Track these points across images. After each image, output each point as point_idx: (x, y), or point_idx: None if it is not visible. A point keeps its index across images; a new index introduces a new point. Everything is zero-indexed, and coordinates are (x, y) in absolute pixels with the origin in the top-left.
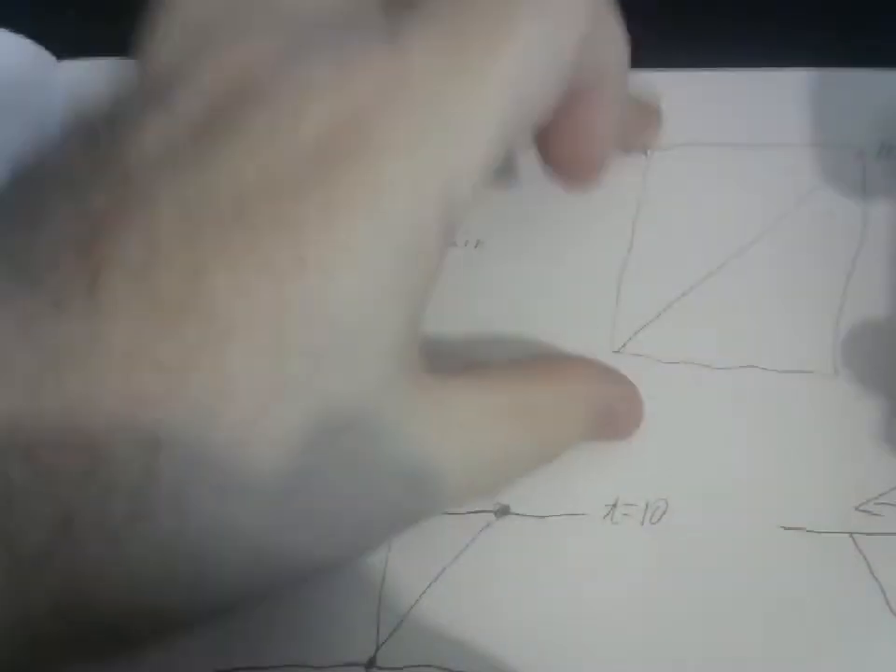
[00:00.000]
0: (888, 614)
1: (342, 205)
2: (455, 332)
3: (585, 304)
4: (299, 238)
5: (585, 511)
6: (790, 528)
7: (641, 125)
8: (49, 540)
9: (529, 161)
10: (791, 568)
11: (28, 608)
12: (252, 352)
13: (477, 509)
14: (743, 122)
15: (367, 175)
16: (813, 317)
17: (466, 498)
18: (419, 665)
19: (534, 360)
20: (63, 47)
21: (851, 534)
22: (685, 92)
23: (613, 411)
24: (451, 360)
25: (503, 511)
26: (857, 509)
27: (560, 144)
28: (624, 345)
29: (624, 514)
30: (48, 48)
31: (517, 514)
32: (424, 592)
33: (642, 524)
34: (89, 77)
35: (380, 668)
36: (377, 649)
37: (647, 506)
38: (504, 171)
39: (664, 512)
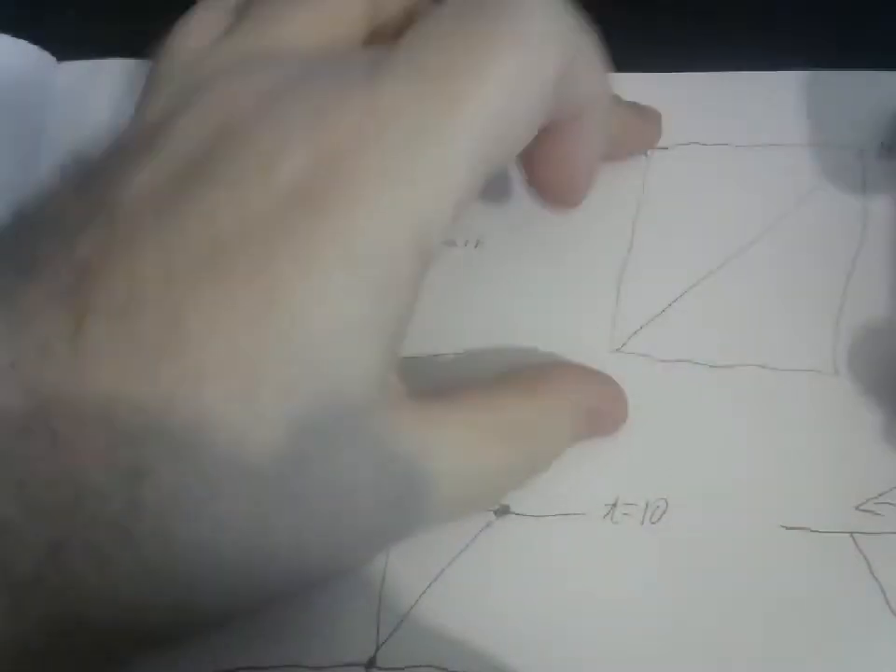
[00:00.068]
0: (888, 614)
1: (313, 250)
2: (455, 332)
3: (585, 304)
4: (270, 282)
5: (585, 511)
6: (790, 528)
7: (641, 128)
8: (39, 566)
9: None
10: (792, 568)
11: (22, 625)
12: (227, 391)
13: None
14: (743, 123)
15: (339, 221)
16: (813, 317)
17: (455, 516)
18: (419, 665)
19: (515, 375)
20: (63, 47)
21: (851, 534)
22: (686, 93)
23: (598, 413)
24: (434, 382)
25: (503, 511)
26: (857, 508)
27: (543, 171)
28: (624, 345)
29: (624, 514)
30: (48, 48)
31: (517, 514)
32: (424, 592)
33: (642, 523)
34: (89, 77)
35: (380, 668)
36: (377, 649)
37: (647, 506)
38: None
39: (664, 512)
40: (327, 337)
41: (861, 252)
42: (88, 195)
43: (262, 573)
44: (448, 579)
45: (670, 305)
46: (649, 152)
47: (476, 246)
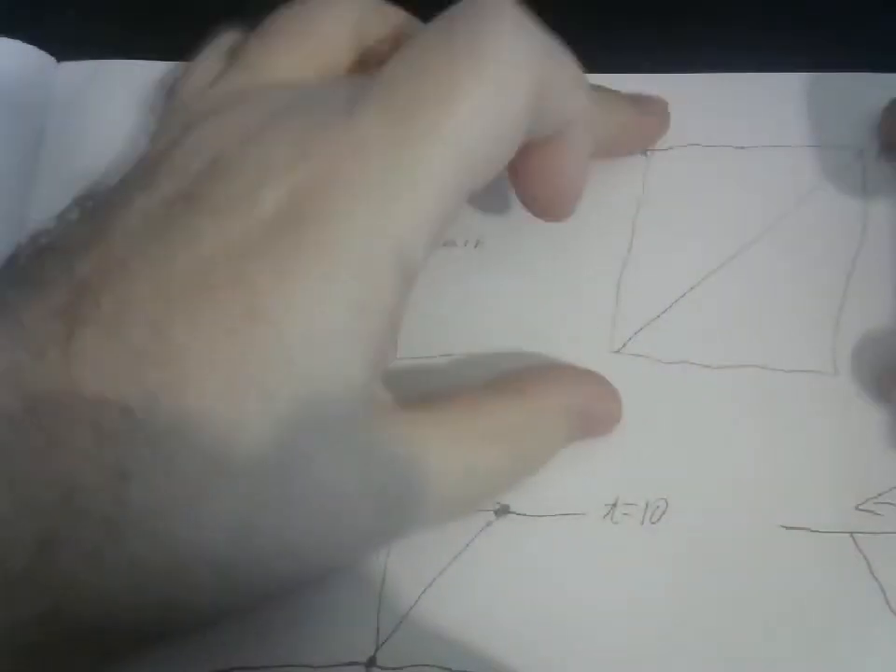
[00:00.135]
0: (888, 614)
1: (291, 265)
2: (455, 332)
3: (585, 304)
4: (251, 295)
5: (585, 511)
6: (790, 528)
7: (642, 125)
8: (30, 561)
9: None
10: (792, 568)
11: (14, 621)
12: (209, 395)
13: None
14: (744, 124)
15: (318, 238)
16: (813, 317)
17: (449, 517)
18: (419, 665)
19: (506, 378)
20: (63, 47)
21: (851, 533)
22: (686, 94)
23: (591, 414)
24: (433, 383)
25: (503, 511)
26: (857, 508)
27: (530, 186)
28: (624, 345)
29: (624, 514)
30: (48, 48)
31: (517, 514)
32: (424, 592)
33: (642, 523)
34: (89, 77)
35: (380, 668)
36: (377, 649)
37: (647, 506)
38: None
39: (664, 512)
40: (305, 346)
41: (860, 252)
42: (92, 222)
43: (250, 572)
44: (448, 579)
45: (670, 306)
46: (648, 152)
47: (476, 246)
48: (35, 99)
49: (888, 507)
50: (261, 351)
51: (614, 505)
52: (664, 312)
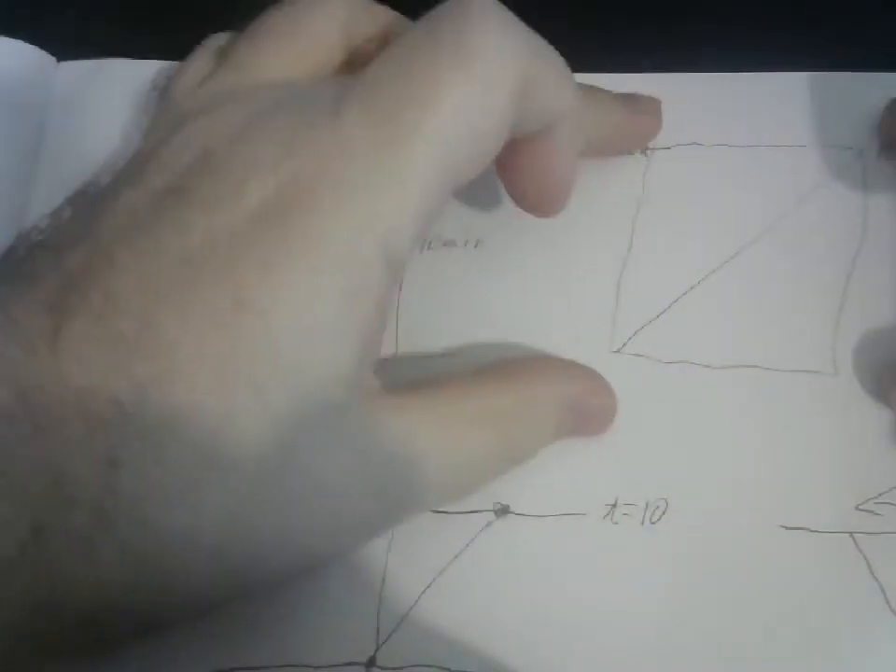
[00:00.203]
0: (888, 614)
1: (277, 257)
2: (455, 332)
3: (585, 304)
4: (237, 285)
5: (585, 511)
6: (790, 528)
7: (634, 125)
8: (23, 547)
9: None
10: (792, 568)
11: (9, 607)
12: (198, 387)
13: (477, 508)
14: (744, 124)
15: (304, 231)
16: (813, 317)
17: (441, 502)
18: (419, 665)
19: (498, 365)
20: (63, 47)
21: (851, 533)
22: (686, 94)
23: (584, 408)
24: (415, 376)
25: (503, 511)
26: (857, 508)
27: (519, 182)
28: (624, 345)
29: (624, 514)
30: (48, 48)
31: (517, 514)
32: (424, 592)
33: (642, 524)
34: (89, 77)
35: (380, 668)
36: (377, 649)
37: (647, 506)
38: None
39: (664, 512)
40: (293, 338)
41: (861, 252)
42: (82, 218)
43: (242, 560)
44: (448, 579)
45: (670, 306)
46: (648, 152)
47: (476, 246)
48: (35, 99)
49: (888, 507)
50: (249, 343)
51: (614, 505)
52: (664, 312)
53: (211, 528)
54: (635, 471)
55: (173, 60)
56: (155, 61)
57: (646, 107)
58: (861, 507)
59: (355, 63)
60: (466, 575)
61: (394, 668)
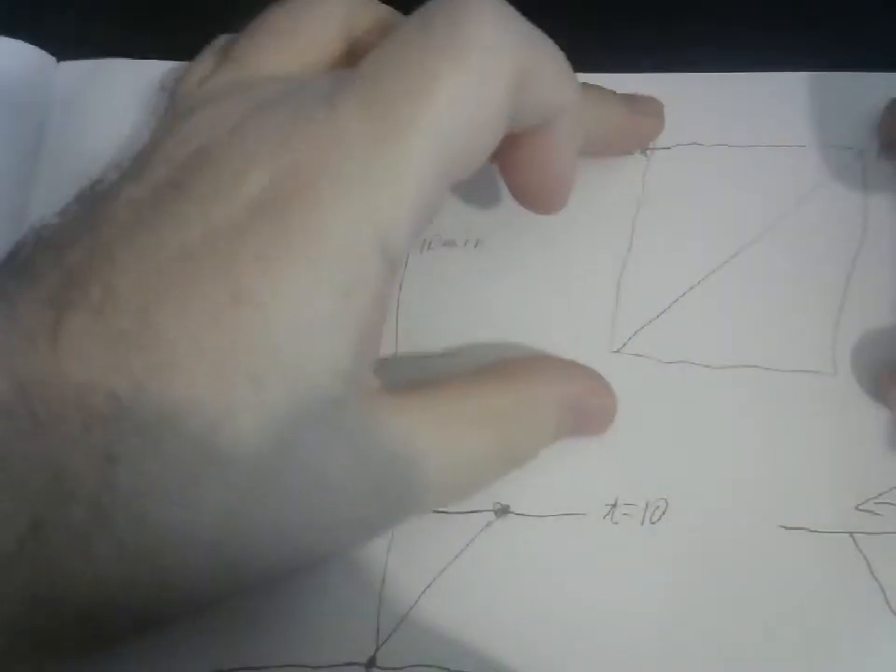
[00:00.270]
0: (888, 614)
1: (275, 251)
2: (455, 332)
3: (585, 304)
4: (234, 277)
5: (585, 511)
6: (790, 528)
7: (635, 126)
8: (21, 542)
9: None
10: (791, 568)
11: (8, 602)
12: (196, 381)
13: (477, 508)
14: (744, 124)
15: (300, 224)
16: (813, 317)
17: (436, 504)
18: (419, 665)
19: (498, 365)
20: (63, 47)
21: (851, 533)
22: (686, 93)
23: (584, 408)
24: (415, 376)
25: (503, 511)
26: (857, 508)
27: (519, 178)
28: (624, 345)
29: (624, 514)
30: (48, 48)
31: (517, 514)
32: (424, 592)
33: (642, 524)
34: (89, 77)
35: (380, 668)
36: (377, 649)
37: (647, 506)
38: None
39: (664, 512)
40: (292, 332)
41: (860, 252)
42: (85, 214)
43: (241, 556)
44: (448, 579)
45: (670, 306)
46: (648, 152)
47: (476, 246)
48: (35, 99)
49: (888, 507)
50: (248, 337)
51: (614, 505)
52: (664, 312)
53: (209, 523)
54: (635, 471)
55: (172, 60)
56: (155, 61)
57: (648, 108)
58: (860, 507)
59: (354, 60)
60: (466, 575)
61: (394, 668)
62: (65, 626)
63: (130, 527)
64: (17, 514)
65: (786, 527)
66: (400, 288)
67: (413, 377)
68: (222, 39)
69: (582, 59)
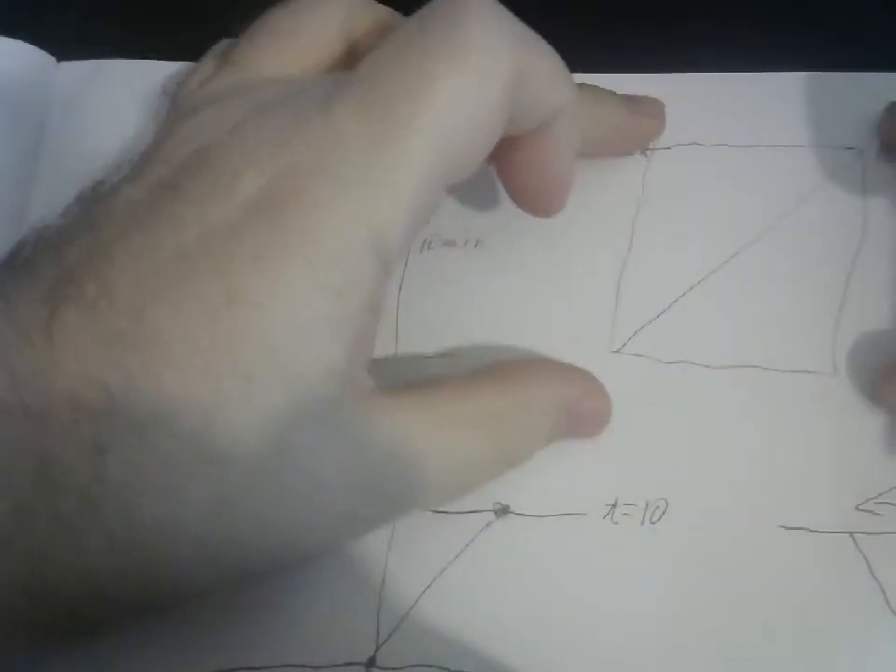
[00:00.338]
0: (888, 614)
1: (271, 251)
2: (455, 332)
3: (585, 304)
4: (229, 277)
5: (585, 511)
6: (790, 528)
7: (636, 126)
8: (7, 527)
9: None
10: (791, 568)
11: None
12: (188, 378)
13: (477, 508)
14: (743, 124)
15: (296, 224)
16: (813, 317)
17: (429, 503)
18: (419, 665)
19: (494, 367)
20: (63, 47)
21: (851, 533)
22: (686, 93)
23: (579, 411)
24: (413, 377)
25: (503, 511)
26: (857, 508)
27: (517, 179)
28: (624, 345)
29: (624, 514)
30: (48, 48)
31: (517, 514)
32: (424, 592)
33: (642, 523)
34: (89, 77)
35: (380, 668)
36: (377, 649)
37: (647, 506)
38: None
39: (664, 512)
40: (286, 331)
41: (860, 252)
42: (85, 214)
43: (229, 552)
44: (448, 579)
45: (670, 306)
46: (648, 152)
47: (476, 246)
48: (35, 99)
49: (888, 507)
50: (242, 335)
51: (614, 505)
52: (664, 312)
53: (198, 517)
54: (635, 471)
55: (173, 60)
56: (155, 61)
57: (648, 109)
58: (860, 507)
59: (354, 61)
60: (466, 575)
61: (394, 668)
62: (47, 617)
63: (118, 519)
64: (3, 501)
65: (786, 527)
66: (400, 288)
67: (412, 377)
68: (224, 44)
69: (582, 59)
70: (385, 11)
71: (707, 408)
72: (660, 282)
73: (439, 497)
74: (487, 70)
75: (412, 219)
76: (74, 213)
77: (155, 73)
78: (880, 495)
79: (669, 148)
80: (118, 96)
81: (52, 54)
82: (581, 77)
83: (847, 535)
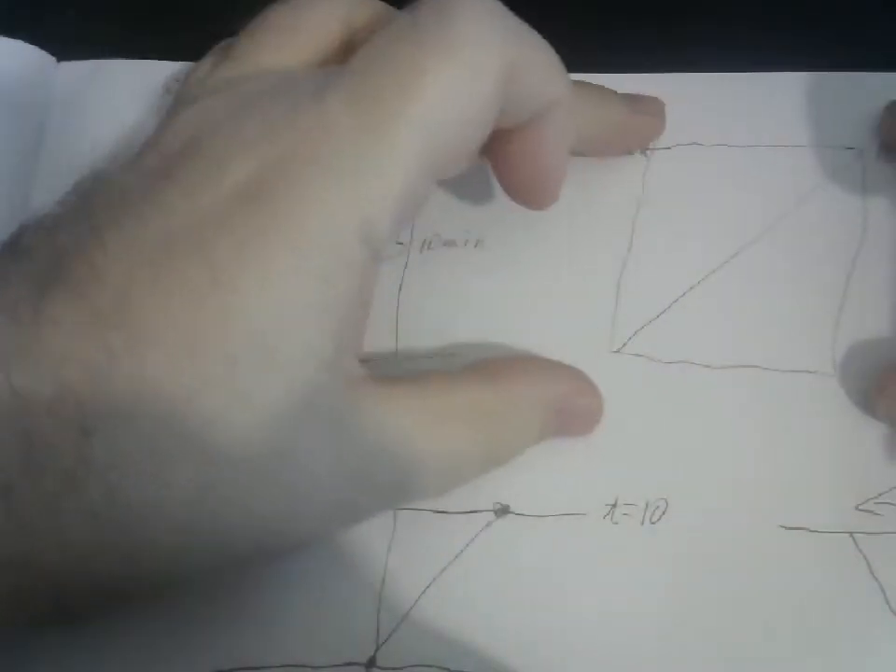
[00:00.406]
0: (888, 614)
1: (257, 237)
2: (454, 332)
3: (585, 304)
4: (214, 262)
5: (585, 511)
6: (790, 528)
7: (636, 126)
8: None
9: None
10: (791, 568)
11: None
12: (171, 356)
13: (477, 508)
14: (743, 124)
15: (283, 211)
16: (813, 317)
17: (417, 495)
18: (419, 665)
19: (485, 364)
20: (63, 47)
21: (851, 533)
22: (687, 95)
23: (570, 409)
24: (404, 369)
25: (503, 511)
26: (857, 508)
27: (509, 172)
28: (624, 345)
29: (624, 514)
30: (48, 48)
31: (517, 514)
32: (424, 592)
33: (642, 523)
34: (89, 77)
35: (380, 668)
36: (377, 649)
37: (647, 506)
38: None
39: (664, 512)
40: (271, 315)
41: (860, 252)
42: (81, 201)
43: (211, 538)
44: (448, 579)
45: (670, 306)
46: (648, 152)
47: (476, 246)
48: (35, 99)
49: (888, 507)
50: (227, 319)
51: (614, 505)
52: (664, 312)
53: (180, 501)
54: (635, 471)
55: (173, 60)
56: (155, 61)
57: (649, 108)
58: (860, 507)
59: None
60: (466, 575)
61: (394, 668)
62: (28, 597)
63: (101, 500)
64: None
65: (786, 527)
66: (400, 288)
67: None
68: (226, 42)
69: (582, 59)
70: (383, 7)
71: (707, 408)
72: (660, 282)
73: (429, 488)
74: (479, 64)
75: (401, 209)
76: (71, 200)
77: (155, 73)
78: (880, 495)
79: (669, 148)
80: (118, 96)
81: (52, 54)
82: (581, 77)
83: (846, 535)
